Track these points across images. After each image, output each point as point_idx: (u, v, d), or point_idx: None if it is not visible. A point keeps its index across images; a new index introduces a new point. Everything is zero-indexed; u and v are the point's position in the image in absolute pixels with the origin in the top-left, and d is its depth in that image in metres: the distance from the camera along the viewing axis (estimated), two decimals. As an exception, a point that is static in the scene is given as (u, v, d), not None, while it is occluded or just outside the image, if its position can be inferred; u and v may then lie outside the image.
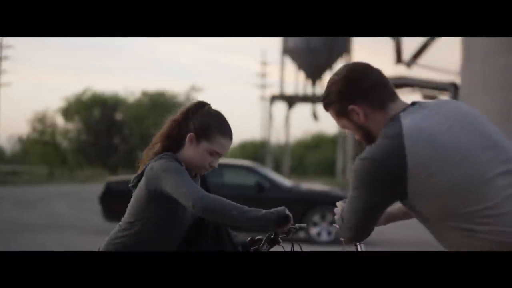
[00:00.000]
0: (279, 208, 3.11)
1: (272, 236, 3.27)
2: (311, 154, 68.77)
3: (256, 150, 63.80)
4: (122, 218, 3.39)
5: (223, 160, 12.17)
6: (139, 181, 3.35)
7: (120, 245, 3.32)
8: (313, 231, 13.49)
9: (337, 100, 2.66)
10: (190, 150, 3.36)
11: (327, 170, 60.76)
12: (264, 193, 13.60)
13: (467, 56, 18.59)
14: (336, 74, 2.71)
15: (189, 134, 3.33)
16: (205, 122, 3.35)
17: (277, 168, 51.37)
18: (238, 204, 3.10)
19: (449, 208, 2.41)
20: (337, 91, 2.65)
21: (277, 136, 51.18)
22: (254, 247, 3.35)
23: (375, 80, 2.64)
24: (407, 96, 46.39)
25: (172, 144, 3.38)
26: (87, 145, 55.89)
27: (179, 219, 3.33)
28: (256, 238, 3.41)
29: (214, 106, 3.45)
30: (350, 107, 2.63)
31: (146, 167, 3.31)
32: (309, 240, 13.23)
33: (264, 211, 3.09)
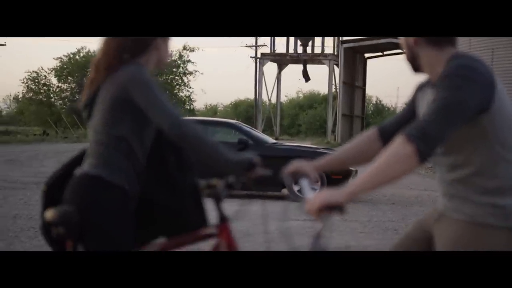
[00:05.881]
0: (248, 154, 3.16)
1: (230, 182, 3.30)
2: (304, 114, 68.70)
3: (249, 110, 63.69)
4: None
5: (206, 118, 12.08)
6: (93, 98, 3.27)
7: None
8: (295, 188, 13.49)
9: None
10: (158, 51, 3.34)
11: (319, 129, 60.79)
12: (247, 149, 13.75)
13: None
14: None
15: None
16: None
17: (269, 128, 51.40)
18: (215, 141, 3.11)
19: (507, 137, 2.68)
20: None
21: (269, 96, 51.03)
22: (213, 191, 3.31)
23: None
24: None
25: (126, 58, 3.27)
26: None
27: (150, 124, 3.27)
28: (211, 183, 3.34)
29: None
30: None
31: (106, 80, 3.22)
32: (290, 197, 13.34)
33: (236, 156, 3.11)
